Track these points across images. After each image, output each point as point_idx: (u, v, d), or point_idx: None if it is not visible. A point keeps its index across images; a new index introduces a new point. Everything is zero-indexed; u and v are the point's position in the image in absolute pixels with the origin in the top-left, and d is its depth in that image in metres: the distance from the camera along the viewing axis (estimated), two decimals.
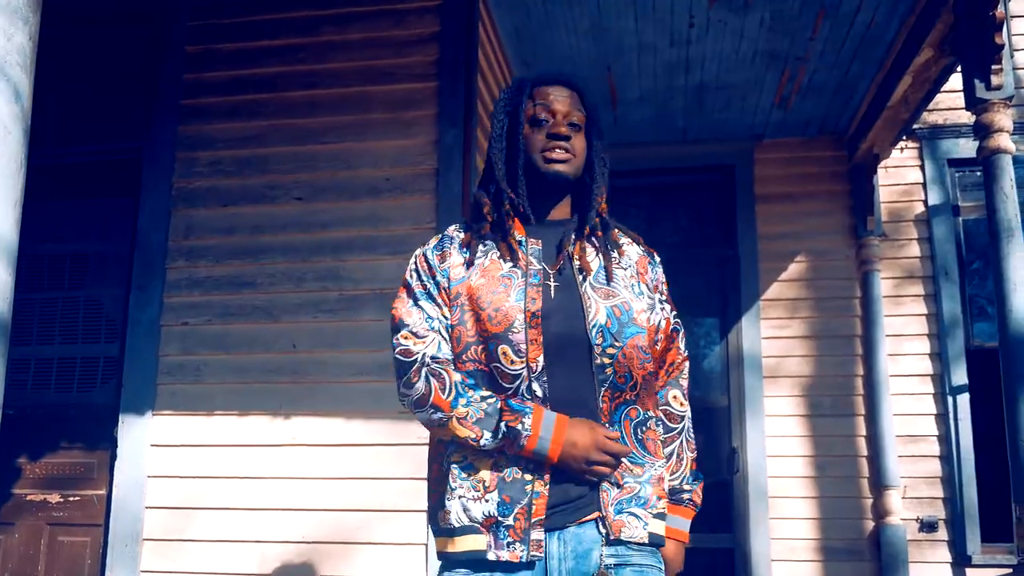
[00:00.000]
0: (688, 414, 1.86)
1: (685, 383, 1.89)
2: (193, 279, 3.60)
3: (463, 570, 1.62)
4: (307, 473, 3.37)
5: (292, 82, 3.71)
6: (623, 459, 1.64)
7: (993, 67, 3.33)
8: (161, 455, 3.49)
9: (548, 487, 1.61)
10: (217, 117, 3.73)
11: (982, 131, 3.36)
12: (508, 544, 1.59)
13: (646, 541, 1.65)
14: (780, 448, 5.24)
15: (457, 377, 1.67)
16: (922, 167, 5.43)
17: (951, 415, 5.11)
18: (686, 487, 1.82)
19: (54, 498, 3.70)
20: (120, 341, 3.77)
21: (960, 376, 5.13)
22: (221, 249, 3.62)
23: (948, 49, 3.80)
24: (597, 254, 1.79)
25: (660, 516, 1.69)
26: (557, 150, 1.75)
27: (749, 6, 4.04)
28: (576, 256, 1.75)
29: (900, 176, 5.45)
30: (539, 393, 1.64)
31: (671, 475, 1.80)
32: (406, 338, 1.73)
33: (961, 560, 5.00)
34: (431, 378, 1.67)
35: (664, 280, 1.89)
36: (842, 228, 5.43)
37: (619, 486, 1.64)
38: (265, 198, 3.63)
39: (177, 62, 3.81)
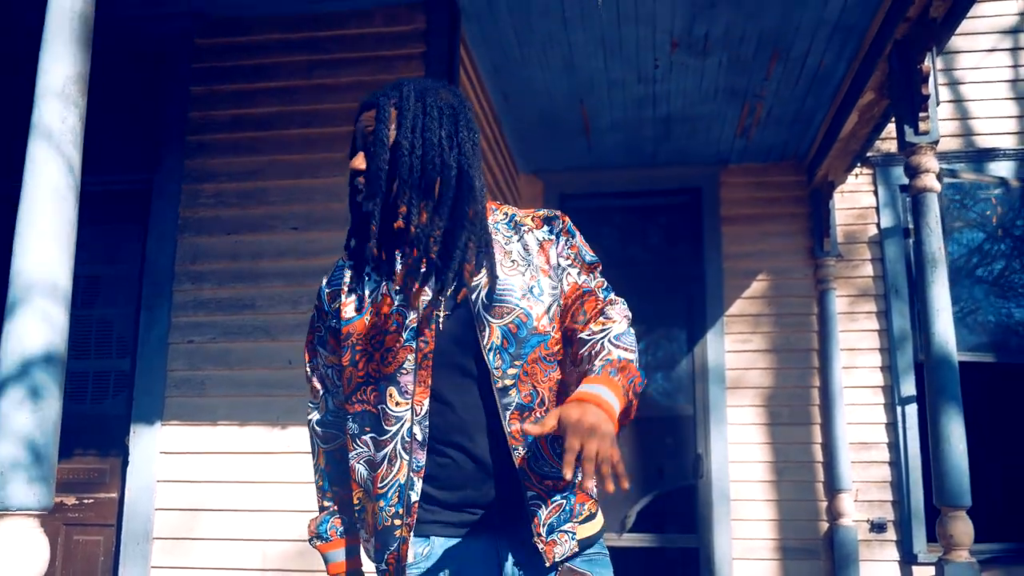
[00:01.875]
0: (611, 328, 1.63)
1: (613, 312, 1.67)
2: (198, 301, 3.95)
3: None
4: (302, 479, 3.73)
5: (289, 121, 4.06)
6: (543, 477, 1.62)
7: (920, 115, 3.72)
8: (169, 461, 3.84)
9: (412, 530, 1.61)
10: (220, 152, 4.08)
11: (911, 172, 3.75)
12: None
13: (576, 551, 1.65)
14: (742, 454, 5.63)
15: (331, 450, 1.83)
16: (875, 192, 5.83)
17: (900, 424, 5.51)
18: (614, 367, 1.54)
19: (70, 500, 4.04)
20: (131, 356, 4.12)
21: (909, 387, 5.53)
22: (224, 274, 3.97)
23: (887, 93, 4.19)
24: (484, 268, 1.65)
25: (587, 520, 1.68)
26: (354, 189, 1.67)
27: (707, 51, 4.43)
28: (471, 275, 1.64)
29: (855, 200, 5.85)
30: (419, 437, 1.62)
31: (600, 360, 1.56)
32: (311, 387, 1.88)
33: (908, 559, 5.39)
34: (313, 440, 1.89)
35: (577, 246, 1.74)
36: (801, 249, 5.83)
37: (546, 505, 1.62)
38: (264, 227, 3.99)
39: (183, 101, 4.16)
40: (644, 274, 6.01)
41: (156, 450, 3.85)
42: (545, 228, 1.73)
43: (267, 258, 3.96)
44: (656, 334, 6.07)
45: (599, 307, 1.67)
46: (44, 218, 1.99)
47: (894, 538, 5.45)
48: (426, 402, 1.62)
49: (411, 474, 1.62)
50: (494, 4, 4.04)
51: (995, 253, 5.88)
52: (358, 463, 1.70)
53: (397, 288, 1.66)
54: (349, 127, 3.98)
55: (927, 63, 3.72)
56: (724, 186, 6.01)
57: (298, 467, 3.74)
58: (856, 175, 5.80)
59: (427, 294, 1.64)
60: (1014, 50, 5.89)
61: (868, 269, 5.76)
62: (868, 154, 5.67)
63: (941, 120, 5.73)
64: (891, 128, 5.48)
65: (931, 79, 3.73)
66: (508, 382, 1.62)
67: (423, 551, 1.63)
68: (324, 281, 1.81)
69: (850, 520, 5.40)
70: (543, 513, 1.62)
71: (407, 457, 1.63)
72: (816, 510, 5.55)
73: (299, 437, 3.77)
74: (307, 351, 1.85)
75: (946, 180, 5.61)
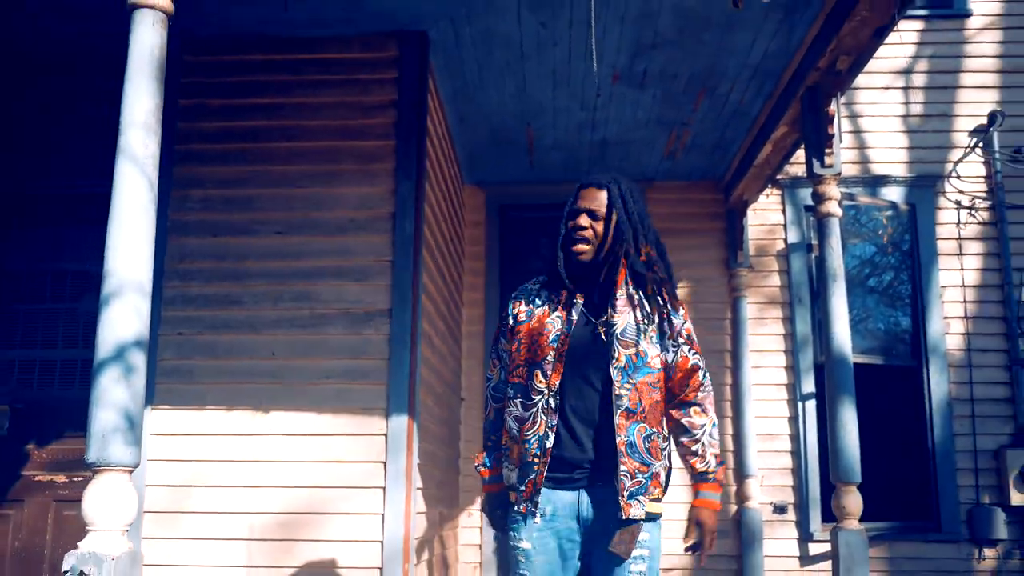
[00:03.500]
0: (706, 423, 2.63)
1: (707, 402, 2.64)
2: (187, 296, 4.34)
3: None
4: (284, 457, 4.16)
5: (273, 134, 4.47)
6: (635, 460, 2.50)
7: (826, 150, 4.37)
8: (160, 442, 4.21)
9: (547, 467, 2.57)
10: (208, 161, 4.47)
11: (817, 198, 4.40)
12: (521, 500, 2.61)
13: (643, 518, 2.49)
14: None
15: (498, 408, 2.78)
16: (783, 211, 6.54)
17: (800, 418, 6.22)
18: (711, 471, 2.63)
19: (60, 478, 4.38)
20: None
21: (809, 385, 6.24)
22: (211, 272, 4.36)
23: (798, 128, 4.85)
24: (629, 313, 2.58)
25: (655, 500, 2.53)
26: (578, 243, 2.61)
27: (644, 85, 5.01)
28: (612, 312, 2.57)
29: (765, 218, 6.54)
30: (552, 406, 2.54)
31: (702, 463, 2.61)
32: (488, 374, 2.90)
33: (805, 537, 6.10)
34: (485, 404, 2.87)
35: (683, 328, 2.66)
36: (717, 260, 6.49)
37: (632, 478, 2.48)
38: (249, 231, 4.39)
39: (172, 112, 4.52)
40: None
41: (147, 432, 4.21)
42: (660, 299, 2.66)
43: (251, 259, 4.36)
44: None
45: (695, 390, 2.64)
46: (131, 228, 2.41)
47: (794, 519, 6.15)
48: (558, 383, 2.54)
49: (547, 429, 2.55)
50: (460, 36, 4.54)
51: (884, 266, 6.65)
52: (510, 418, 2.65)
53: (566, 312, 2.62)
54: (329, 142, 4.45)
55: (832, 107, 4.38)
56: (650, 202, 6.61)
57: (281, 447, 4.16)
58: (767, 195, 6.50)
59: (572, 316, 2.61)
60: (905, 88, 6.68)
61: (776, 279, 6.46)
62: (778, 177, 6.35)
63: (842, 148, 6.46)
64: (799, 155, 6.17)
65: (836, 120, 4.39)
66: (623, 392, 2.52)
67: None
68: (513, 295, 2.81)
69: (756, 503, 6.07)
70: (628, 483, 2.50)
71: (544, 418, 2.55)
72: (726, 495, 6.20)
73: (281, 420, 4.19)
74: (494, 341, 2.83)
75: (845, 203, 6.34)
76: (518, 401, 2.61)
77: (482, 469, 2.81)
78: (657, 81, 4.97)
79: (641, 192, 2.77)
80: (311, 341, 4.27)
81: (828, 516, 6.10)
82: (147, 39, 2.58)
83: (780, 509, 6.15)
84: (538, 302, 2.68)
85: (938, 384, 6.27)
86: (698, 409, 2.63)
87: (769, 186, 6.33)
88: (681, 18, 4.28)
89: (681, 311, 2.67)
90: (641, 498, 2.49)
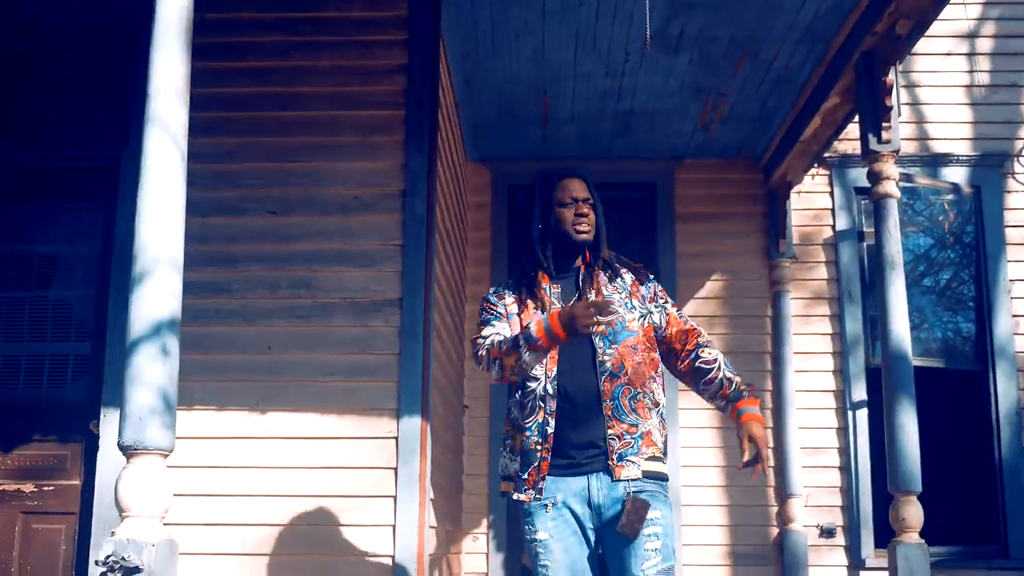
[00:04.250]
0: (719, 357, 3.21)
1: (709, 341, 3.25)
2: None
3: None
4: (282, 463, 4.51)
5: (265, 103, 4.83)
6: (621, 422, 3.01)
7: (884, 124, 4.77)
8: None
9: (551, 456, 3.07)
10: (192, 132, 4.80)
11: (873, 178, 4.80)
12: (524, 490, 3.09)
13: (639, 476, 3.02)
14: (693, 458, 6.64)
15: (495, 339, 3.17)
16: (831, 194, 6.95)
17: (851, 429, 6.63)
18: (744, 389, 3.16)
19: (28, 488, 4.72)
20: (92, 340, 4.82)
21: (860, 392, 6.65)
22: (196, 257, 4.65)
23: (851, 99, 5.25)
24: (601, 287, 3.24)
25: (651, 459, 3.07)
26: (583, 224, 3.19)
27: (679, 48, 5.41)
28: (590, 291, 3.21)
29: (811, 201, 6.95)
30: (551, 391, 3.09)
31: (731, 386, 3.15)
32: (476, 342, 3.15)
33: (856, 564, 6.50)
34: (486, 349, 3.13)
35: (658, 288, 3.32)
36: (756, 249, 6.89)
37: (620, 440, 3.04)
38: (238, 210, 4.74)
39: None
40: None
41: None
42: (632, 273, 3.33)
43: (241, 241, 4.72)
44: None
45: (695, 333, 3.25)
46: (164, 200, 2.77)
47: (843, 543, 6.56)
48: (554, 370, 3.10)
49: (546, 415, 3.09)
50: None
51: (945, 258, 7.07)
52: (514, 407, 3.19)
53: (535, 296, 3.23)
54: (328, 112, 4.81)
55: (891, 76, 4.78)
56: (679, 183, 7.03)
57: (278, 452, 4.52)
58: (813, 176, 6.90)
59: (554, 301, 3.20)
60: (970, 55, 7.09)
61: (822, 272, 6.86)
62: (825, 155, 6.74)
63: (900, 123, 6.88)
64: (850, 130, 6.57)
65: (894, 91, 4.79)
66: (605, 357, 3.11)
67: (542, 486, 3.08)
68: (491, 290, 3.38)
69: (800, 525, 6.47)
70: (616, 445, 3.06)
71: (543, 405, 3.09)
72: (767, 515, 6.61)
73: (278, 422, 4.55)
74: (480, 330, 3.26)
75: (901, 183, 6.74)
76: (517, 392, 3.19)
77: (533, 331, 3.10)
78: (694, 44, 5.37)
79: None
80: (312, 334, 4.63)
81: (882, 540, 6.49)
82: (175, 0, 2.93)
83: (828, 532, 6.55)
84: (516, 295, 3.30)
85: (1006, 390, 6.68)
86: (706, 348, 3.23)
87: (816, 165, 6.72)
88: None
89: (651, 276, 3.37)
90: (633, 458, 3.04)
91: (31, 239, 5.01)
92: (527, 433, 3.11)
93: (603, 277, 3.26)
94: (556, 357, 3.11)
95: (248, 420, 4.56)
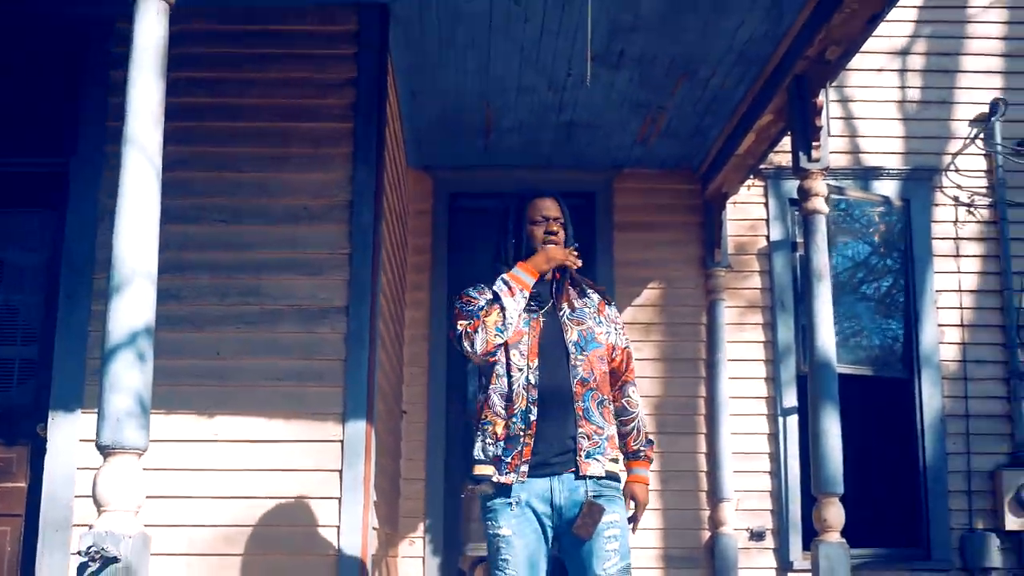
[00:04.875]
0: (639, 403, 3.69)
1: (634, 385, 3.71)
2: None
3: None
4: (230, 466, 4.83)
5: (216, 113, 5.14)
6: (591, 423, 3.41)
7: (814, 143, 5.22)
8: (90, 449, 4.78)
9: (532, 442, 3.40)
10: None
11: (803, 194, 5.25)
12: (506, 473, 3.41)
13: (603, 475, 3.40)
14: None
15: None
16: (766, 205, 7.42)
17: (781, 434, 7.10)
18: (643, 449, 3.67)
19: None
20: (39, 344, 5.10)
21: (791, 399, 7.12)
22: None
23: (784, 117, 5.69)
24: (571, 299, 3.61)
25: (613, 460, 3.47)
26: (553, 241, 3.58)
27: (620, 65, 5.81)
28: (563, 302, 3.60)
29: (746, 212, 7.41)
30: (532, 381, 3.45)
31: (634, 443, 3.65)
32: (458, 327, 3.55)
33: (784, 566, 6.98)
34: (469, 323, 3.51)
35: (617, 315, 3.74)
36: (692, 258, 7.34)
37: (589, 439, 3.41)
38: (189, 218, 5.05)
39: (103, 86, 5.16)
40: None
41: (76, 438, 4.84)
42: (597, 294, 3.73)
43: (191, 249, 5.02)
44: None
45: (629, 374, 3.70)
46: (140, 216, 3.09)
47: (772, 546, 7.03)
48: (535, 363, 3.48)
49: (529, 404, 3.44)
50: (425, 10, 5.27)
51: (876, 268, 7.58)
52: (494, 394, 3.50)
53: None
54: (278, 123, 5.14)
55: (821, 98, 5.23)
56: (618, 192, 7.45)
57: (226, 455, 4.84)
58: (749, 187, 7.36)
59: (534, 304, 3.58)
60: (902, 71, 7.61)
61: (756, 281, 7.33)
62: (761, 167, 7.20)
63: (831, 137, 7.36)
64: (785, 142, 7.03)
65: (824, 112, 5.24)
66: (577, 363, 3.50)
67: (516, 478, 3.42)
68: (467, 289, 3.69)
69: (731, 529, 6.92)
70: (586, 444, 3.43)
71: (525, 393, 3.45)
72: (699, 519, 7.05)
73: (227, 425, 4.87)
74: (456, 315, 3.61)
75: (834, 196, 7.22)
76: (502, 379, 3.51)
77: (507, 276, 3.60)
78: (634, 63, 5.77)
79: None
80: (260, 340, 4.96)
81: (810, 543, 6.95)
82: (152, 29, 3.29)
83: (757, 535, 7.01)
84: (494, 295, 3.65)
85: (931, 398, 7.20)
86: (634, 389, 3.72)
87: (751, 177, 7.18)
88: (665, 1, 5.08)
89: (612, 301, 3.80)
90: (599, 458, 3.43)
91: None
92: (513, 420, 3.43)
93: (573, 292, 3.64)
94: (536, 351, 3.48)
95: (197, 424, 4.87)
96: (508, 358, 3.49)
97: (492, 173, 7.42)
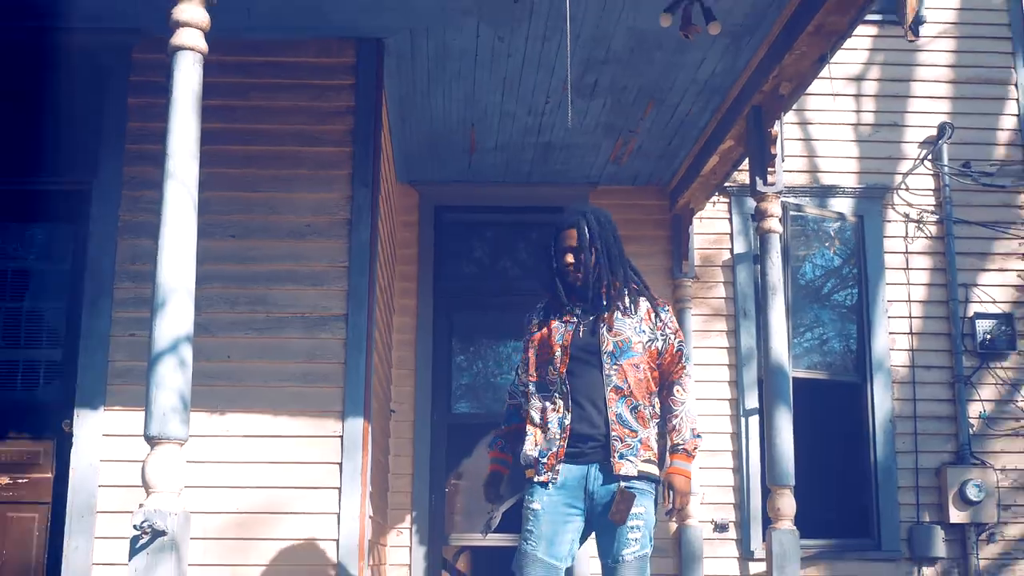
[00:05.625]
0: (686, 400, 3.98)
1: (686, 382, 4.00)
2: (139, 298, 5.47)
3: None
4: (241, 459, 5.35)
5: (228, 138, 5.64)
6: (624, 427, 3.81)
7: (769, 170, 5.78)
8: (112, 443, 5.35)
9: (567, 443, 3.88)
10: (159, 162, 5.58)
11: (759, 215, 5.82)
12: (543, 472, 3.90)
13: (635, 475, 3.77)
14: None
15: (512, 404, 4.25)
16: (730, 220, 8.00)
17: (743, 434, 7.67)
18: (682, 444, 3.92)
19: (3, 480, 5.49)
20: (62, 348, 5.60)
21: (752, 401, 7.69)
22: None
23: (743, 144, 6.26)
24: (618, 308, 3.97)
25: (648, 461, 3.81)
26: (570, 270, 4.01)
27: (594, 94, 6.37)
28: (603, 316, 3.97)
29: (712, 226, 7.99)
30: (565, 391, 3.89)
31: (677, 437, 3.93)
32: (511, 391, 4.29)
33: (746, 555, 7.54)
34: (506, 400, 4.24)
35: (671, 320, 4.05)
36: (661, 269, 7.90)
37: (622, 442, 3.79)
38: (204, 234, 5.44)
39: (121, 111, 5.67)
40: (514, 290, 7.88)
41: (99, 432, 5.35)
42: (648, 301, 4.06)
43: (206, 262, 5.45)
44: (515, 345, 7.96)
45: (678, 372, 4.02)
46: (180, 240, 3.61)
47: (735, 537, 7.60)
48: (565, 372, 3.92)
49: (564, 411, 3.90)
50: (416, 45, 5.81)
51: (832, 279, 8.16)
52: (532, 409, 4.00)
53: (565, 318, 4.03)
54: (285, 147, 5.68)
55: (775, 128, 5.80)
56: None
57: (237, 448, 5.36)
58: (714, 203, 7.93)
59: (573, 321, 4.02)
60: (857, 96, 8.21)
61: (721, 291, 7.91)
62: (726, 184, 7.77)
63: (790, 157, 7.97)
64: (747, 163, 7.61)
65: (778, 141, 5.81)
66: (611, 372, 3.90)
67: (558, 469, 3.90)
68: (529, 315, 4.23)
69: (696, 521, 7.48)
70: (619, 446, 3.82)
71: (561, 402, 3.91)
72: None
73: (236, 422, 5.39)
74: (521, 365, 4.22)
75: (793, 213, 7.80)
76: (538, 396, 3.99)
77: (490, 452, 4.28)
78: (607, 92, 6.33)
79: (608, 220, 4.15)
80: (267, 345, 5.49)
81: None
82: (189, 78, 3.78)
83: (721, 527, 7.58)
84: (545, 315, 4.13)
85: (882, 401, 7.79)
86: (679, 388, 4.01)
87: (716, 194, 7.74)
88: (633, 39, 5.65)
89: (667, 308, 4.12)
90: (632, 458, 3.79)
91: (5, 255, 5.77)
92: (549, 426, 3.90)
93: (617, 304, 3.97)
94: (566, 362, 3.92)
95: (210, 420, 5.38)
96: (544, 374, 3.99)
97: (476, 188, 7.97)
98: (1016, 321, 7.93)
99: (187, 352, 3.58)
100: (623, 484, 3.77)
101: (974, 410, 7.82)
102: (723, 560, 7.57)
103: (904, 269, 8.01)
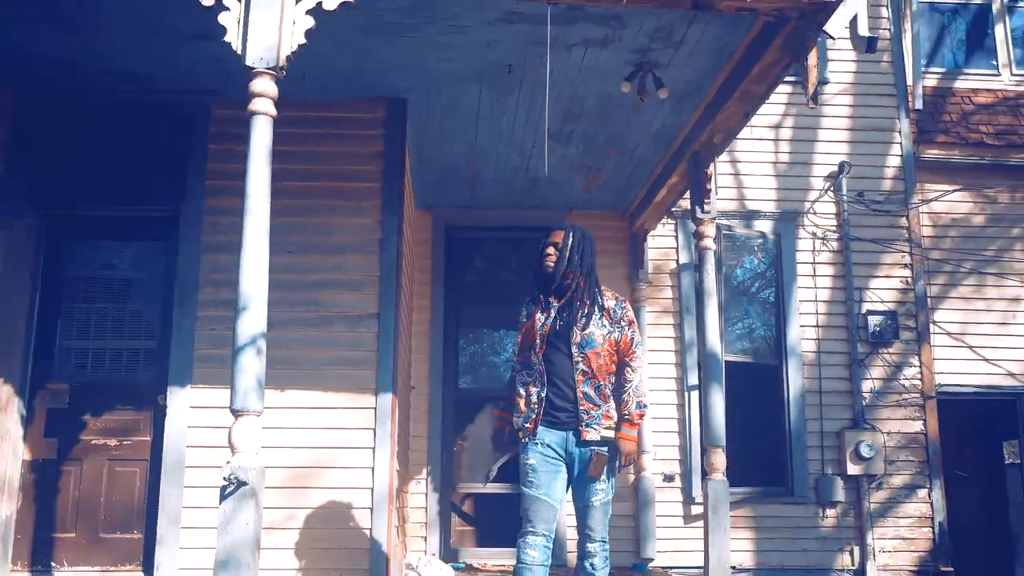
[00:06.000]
0: (634, 379, 4.18)
1: (636, 364, 4.20)
2: (218, 300, 5.70)
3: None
4: (297, 425, 5.57)
5: (288, 176, 5.85)
6: (590, 403, 4.09)
7: (705, 201, 6.01)
8: (197, 413, 5.57)
9: (542, 411, 4.17)
10: (232, 195, 5.79)
11: (697, 236, 6.04)
12: (527, 434, 4.19)
13: (598, 439, 4.10)
14: None
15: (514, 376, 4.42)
16: (676, 237, 8.22)
17: (687, 405, 7.90)
18: (628, 413, 4.15)
19: (112, 442, 5.70)
20: (157, 339, 5.82)
21: (693, 379, 7.93)
22: (236, 282, 5.72)
23: (686, 180, 6.49)
24: (583, 308, 4.20)
25: (607, 428, 4.10)
26: (547, 260, 4.26)
27: (569, 141, 6.60)
28: (575, 311, 4.19)
29: (662, 242, 8.22)
30: (543, 371, 4.16)
31: (624, 409, 4.16)
32: (514, 369, 4.46)
33: (688, 500, 7.78)
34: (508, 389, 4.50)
35: (626, 314, 4.24)
36: (622, 276, 8.11)
37: (588, 414, 4.09)
38: (269, 251, 5.78)
39: (203, 153, 5.89)
40: (508, 292, 8.11)
41: (187, 405, 5.57)
42: (610, 300, 4.29)
43: (271, 273, 5.72)
44: (506, 333, 8.20)
45: (631, 356, 4.23)
46: (254, 260, 3.84)
47: (679, 486, 7.84)
48: (541, 356, 4.19)
49: (541, 386, 4.19)
50: (432, 104, 6.04)
51: (756, 283, 8.40)
52: (519, 385, 4.29)
53: (543, 312, 4.27)
54: (330, 183, 5.88)
55: (710, 169, 6.03)
56: None
57: (291, 417, 5.58)
58: (664, 224, 8.16)
59: (551, 315, 4.25)
60: (775, 140, 8.44)
61: (669, 293, 8.14)
62: (673, 209, 8.01)
63: (724, 188, 8.21)
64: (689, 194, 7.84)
65: (712, 179, 6.05)
66: (579, 359, 4.16)
67: (539, 432, 4.18)
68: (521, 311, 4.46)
69: (650, 473, 7.71)
70: (586, 418, 4.14)
71: (540, 379, 4.19)
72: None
73: (293, 397, 5.61)
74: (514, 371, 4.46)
75: (725, 232, 8.04)
76: (524, 373, 4.28)
77: (497, 410, 4.57)
78: (580, 139, 6.57)
79: (591, 240, 4.42)
80: (318, 337, 5.71)
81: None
82: (262, 136, 4.02)
83: (669, 478, 7.82)
84: (531, 308, 4.37)
85: (795, 379, 8.03)
86: (630, 369, 4.24)
87: (666, 217, 7.98)
88: (601, 100, 5.88)
89: (625, 304, 4.31)
90: (596, 427, 4.12)
91: (113, 267, 5.98)
92: (530, 398, 4.19)
93: (587, 302, 4.21)
94: (543, 349, 4.18)
95: (273, 395, 5.59)
96: (527, 356, 4.24)
97: (478, 212, 8.20)
98: (899, 317, 8.18)
99: (262, 344, 3.80)
100: (595, 449, 4.10)
101: (867, 386, 8.07)
102: (671, 504, 7.81)
103: (812, 276, 8.25)
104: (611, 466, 4.17)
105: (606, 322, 4.21)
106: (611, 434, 4.15)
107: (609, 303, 4.28)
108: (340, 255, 5.82)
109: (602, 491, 4.15)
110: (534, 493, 4.12)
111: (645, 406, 4.24)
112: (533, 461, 4.15)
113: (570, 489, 4.26)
